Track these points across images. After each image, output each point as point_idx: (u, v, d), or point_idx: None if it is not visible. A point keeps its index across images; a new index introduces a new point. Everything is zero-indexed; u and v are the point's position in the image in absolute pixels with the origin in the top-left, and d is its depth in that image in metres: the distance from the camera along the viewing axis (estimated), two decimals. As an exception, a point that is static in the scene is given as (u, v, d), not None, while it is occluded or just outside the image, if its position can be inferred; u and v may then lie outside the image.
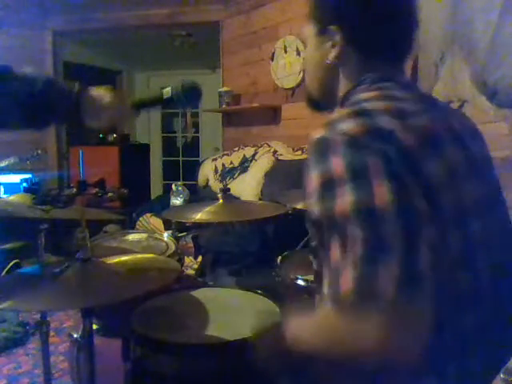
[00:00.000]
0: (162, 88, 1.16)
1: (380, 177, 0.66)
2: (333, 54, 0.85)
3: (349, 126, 0.71)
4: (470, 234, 0.76)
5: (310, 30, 0.90)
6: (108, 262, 1.14)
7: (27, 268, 1.29)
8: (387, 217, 0.64)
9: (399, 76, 0.87)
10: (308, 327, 0.73)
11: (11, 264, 2.92)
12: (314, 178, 0.70)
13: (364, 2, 0.82)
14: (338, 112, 0.78)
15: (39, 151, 3.18)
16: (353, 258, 0.63)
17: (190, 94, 1.16)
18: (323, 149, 0.70)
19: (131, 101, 1.18)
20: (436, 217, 0.70)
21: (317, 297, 0.88)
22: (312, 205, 0.71)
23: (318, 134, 0.73)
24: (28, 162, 3.13)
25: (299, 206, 1.62)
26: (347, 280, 0.63)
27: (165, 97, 1.15)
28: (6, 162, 3.12)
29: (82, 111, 1.12)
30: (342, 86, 0.88)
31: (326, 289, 0.67)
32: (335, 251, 0.66)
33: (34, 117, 1.14)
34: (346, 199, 0.66)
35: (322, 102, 0.96)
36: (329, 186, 0.68)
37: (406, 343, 0.62)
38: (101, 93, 1.14)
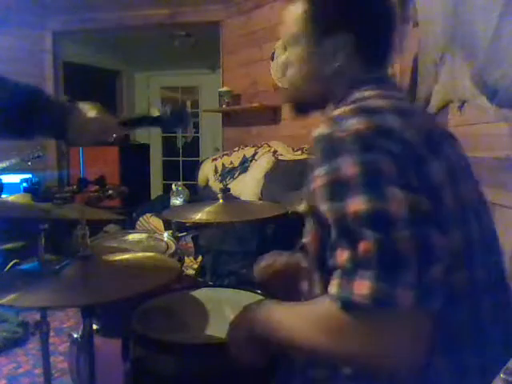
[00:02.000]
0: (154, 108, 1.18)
1: (393, 180, 0.65)
2: (336, 60, 0.83)
3: (354, 122, 0.69)
4: (471, 235, 0.76)
5: (299, 32, 0.86)
6: (108, 261, 1.14)
7: (27, 265, 1.29)
8: (402, 222, 0.63)
9: (390, 77, 0.90)
10: (302, 321, 0.73)
11: (11, 264, 2.92)
12: (320, 176, 0.69)
13: (369, 8, 0.83)
14: (339, 109, 0.77)
15: (40, 152, 3.18)
16: (367, 262, 0.63)
17: (178, 116, 1.17)
18: (330, 146, 0.69)
19: (119, 118, 1.19)
20: (439, 217, 0.69)
21: (306, 291, 0.88)
22: (317, 202, 0.70)
23: (321, 130, 0.72)
24: (29, 162, 3.13)
25: (299, 208, 1.61)
26: (363, 285, 0.62)
27: (153, 115, 1.16)
28: (7, 163, 3.13)
29: (68, 125, 1.12)
30: (340, 89, 0.86)
31: (334, 289, 0.66)
32: (344, 253, 0.66)
33: (19, 127, 1.13)
34: (358, 202, 0.65)
35: (310, 106, 0.94)
36: (339, 186, 0.67)
37: (416, 350, 0.63)
38: (87, 108, 1.14)
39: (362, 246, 0.63)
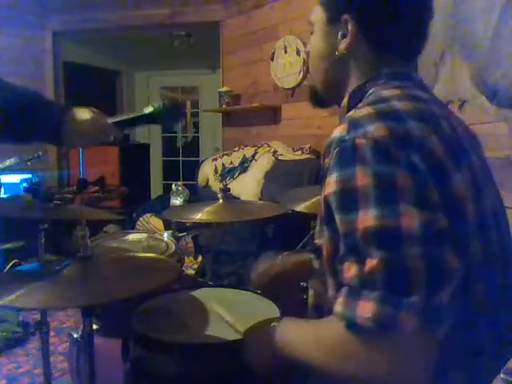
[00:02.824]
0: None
1: (408, 195, 0.62)
2: (343, 44, 0.80)
3: (376, 128, 0.66)
4: (490, 246, 0.73)
5: (318, 16, 0.84)
6: (108, 261, 1.14)
7: (27, 265, 1.29)
8: (412, 241, 0.61)
9: (414, 74, 0.82)
10: (311, 340, 0.72)
11: (11, 264, 2.93)
12: (334, 182, 0.67)
13: None
14: (360, 109, 0.72)
15: (40, 152, 3.18)
16: (372, 282, 0.61)
17: (172, 111, 1.16)
18: (347, 152, 0.66)
19: (113, 119, 1.18)
20: (459, 232, 0.67)
21: (317, 291, 0.87)
22: (329, 208, 0.68)
23: (340, 131, 0.69)
24: (29, 163, 3.13)
25: (299, 207, 1.61)
26: (366, 307, 0.61)
27: (146, 112, 1.15)
28: (7, 163, 3.13)
29: (63, 128, 1.12)
30: (352, 79, 0.83)
31: (339, 307, 0.65)
32: (351, 269, 0.64)
33: (17, 130, 1.13)
34: (368, 216, 0.62)
35: (326, 96, 0.91)
36: (350, 196, 0.64)
37: (417, 371, 0.62)
38: (81, 111, 1.14)
39: (369, 265, 0.62)
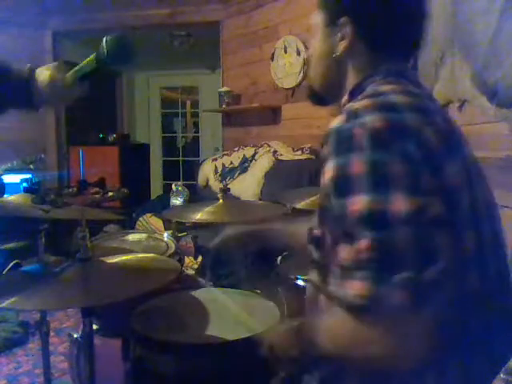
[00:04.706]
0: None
1: (401, 183, 0.65)
2: (341, 46, 0.83)
3: (373, 119, 0.68)
4: (483, 236, 0.75)
5: (318, 19, 0.87)
6: (108, 261, 1.14)
7: (27, 267, 1.29)
8: (401, 224, 0.63)
9: (410, 72, 0.85)
10: (324, 331, 0.73)
11: (11, 264, 2.92)
12: (330, 169, 0.69)
13: None
14: (358, 101, 0.75)
15: (42, 155, 3.20)
16: (364, 262, 0.63)
17: (118, 46, 1.13)
18: (344, 141, 0.68)
19: (69, 72, 1.15)
20: (454, 219, 0.69)
21: (317, 287, 0.86)
22: (327, 195, 0.71)
23: (337, 123, 0.71)
24: (31, 165, 3.15)
25: (299, 206, 1.62)
26: (359, 286, 0.63)
27: (94, 56, 1.12)
28: (9, 165, 3.14)
29: (33, 89, 1.11)
30: (351, 78, 0.85)
31: (333, 288, 0.68)
32: (344, 251, 0.66)
33: None
34: (360, 201, 0.64)
35: (325, 95, 0.93)
36: (344, 182, 0.67)
37: (413, 349, 0.63)
38: (43, 69, 1.13)
39: (360, 246, 0.64)
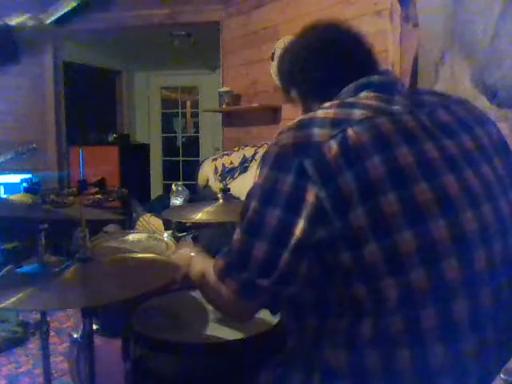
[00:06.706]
0: None
1: (281, 198, 0.76)
2: (298, 100, 1.05)
3: (285, 136, 0.80)
4: (429, 233, 0.75)
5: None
6: (108, 261, 1.14)
7: (27, 267, 1.29)
8: (264, 236, 0.77)
9: (378, 82, 0.91)
10: (203, 270, 0.97)
11: (6, 269, 2.91)
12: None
13: (301, 69, 1.00)
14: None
15: (34, 145, 3.20)
16: (230, 249, 0.84)
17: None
18: (264, 156, 0.82)
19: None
20: (352, 225, 0.73)
21: None
22: None
23: (270, 141, 0.84)
24: (24, 156, 3.15)
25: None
26: (221, 262, 0.85)
27: None
28: (2, 159, 3.15)
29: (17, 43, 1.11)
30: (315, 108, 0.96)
31: (214, 259, 0.89)
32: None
33: None
34: (251, 206, 0.80)
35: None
36: (252, 187, 0.82)
37: (225, 307, 0.91)
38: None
39: (235, 237, 0.83)
